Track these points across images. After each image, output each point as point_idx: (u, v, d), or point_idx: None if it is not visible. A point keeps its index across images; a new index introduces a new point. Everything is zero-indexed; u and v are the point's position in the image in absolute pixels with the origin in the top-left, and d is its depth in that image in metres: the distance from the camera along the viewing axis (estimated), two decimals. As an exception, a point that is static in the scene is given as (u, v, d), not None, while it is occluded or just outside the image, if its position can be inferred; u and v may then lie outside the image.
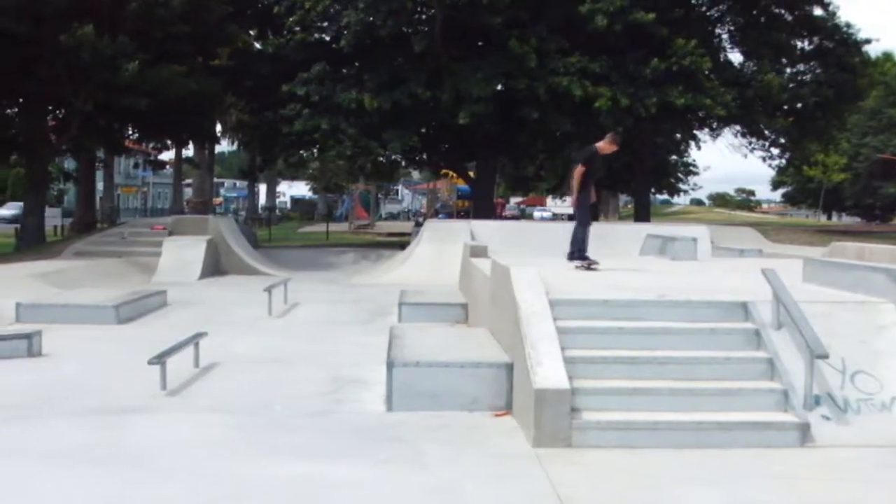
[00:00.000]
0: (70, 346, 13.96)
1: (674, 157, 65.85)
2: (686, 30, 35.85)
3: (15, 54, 28.62)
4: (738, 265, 17.62)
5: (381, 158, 44.54)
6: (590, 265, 14.82)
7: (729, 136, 46.81)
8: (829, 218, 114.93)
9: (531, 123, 35.97)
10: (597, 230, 30.51)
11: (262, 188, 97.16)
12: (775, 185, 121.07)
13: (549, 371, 8.91)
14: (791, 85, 41.14)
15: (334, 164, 69.86)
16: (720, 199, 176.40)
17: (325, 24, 37.82)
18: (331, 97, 34.50)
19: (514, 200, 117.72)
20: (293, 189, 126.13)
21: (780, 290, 9.94)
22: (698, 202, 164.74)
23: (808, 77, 43.24)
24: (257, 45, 41.11)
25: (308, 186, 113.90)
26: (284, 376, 11.99)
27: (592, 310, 10.40)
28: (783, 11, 41.84)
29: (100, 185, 59.33)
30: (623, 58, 34.86)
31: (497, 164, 50.12)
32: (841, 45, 41.82)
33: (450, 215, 61.17)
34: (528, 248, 22.86)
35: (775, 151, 48.78)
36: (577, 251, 15.38)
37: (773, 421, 8.93)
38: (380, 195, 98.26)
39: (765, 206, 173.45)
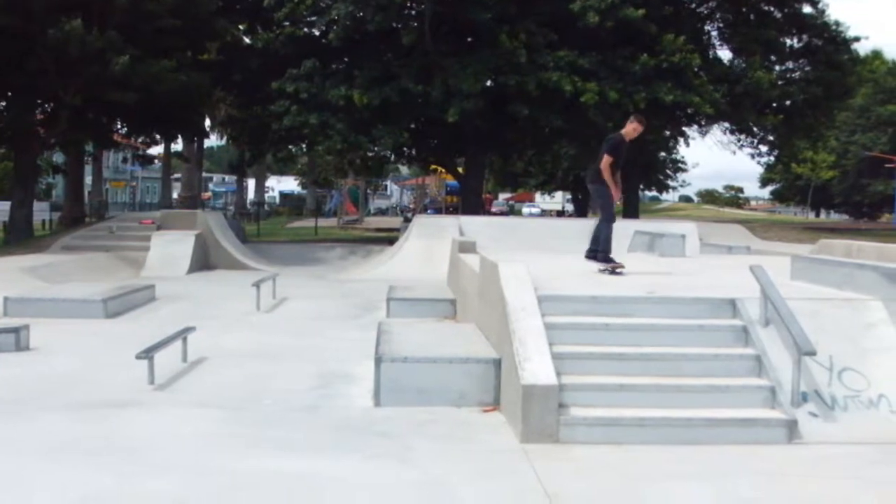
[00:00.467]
0: (58, 341, 13.93)
1: (662, 153, 65.96)
2: (675, 27, 35.88)
3: (4, 48, 28.56)
4: (726, 262, 17.67)
5: (371, 153, 44.51)
6: (615, 269, 13.43)
7: (717, 132, 46.92)
8: (818, 215, 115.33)
9: (520, 120, 35.97)
10: (586, 227, 30.65)
11: (251, 183, 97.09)
12: (764, 182, 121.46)
13: (536, 367, 8.92)
14: (780, 82, 41.19)
15: (323, 159, 69.91)
16: (709, 196, 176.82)
17: (314, 18, 37.78)
18: (320, 93, 34.46)
19: (502, 196, 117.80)
20: (282, 184, 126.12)
21: (768, 286, 9.96)
22: (687, 199, 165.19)
23: (797, 74, 43.34)
24: (246, 40, 41.03)
25: (297, 181, 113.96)
26: (272, 371, 11.98)
27: (580, 306, 10.41)
28: (772, 9, 41.91)
29: (88, 180, 59.23)
30: (612, 54, 34.88)
31: (486, 160, 50.11)
32: (830, 43, 41.92)
33: (438, 211, 61.23)
34: (516, 244, 22.87)
35: (764, 148, 48.90)
36: (603, 252, 13.86)
37: (760, 417, 8.94)
38: (369, 190, 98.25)
39: (753, 203, 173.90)
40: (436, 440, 8.69)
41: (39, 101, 34.17)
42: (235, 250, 29.60)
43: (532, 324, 9.68)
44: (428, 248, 26.05)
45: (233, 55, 38.41)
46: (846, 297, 10.63)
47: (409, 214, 54.52)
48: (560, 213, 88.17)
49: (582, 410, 8.89)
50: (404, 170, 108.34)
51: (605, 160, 13.46)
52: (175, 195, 76.19)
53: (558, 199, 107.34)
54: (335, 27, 34.99)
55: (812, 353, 9.02)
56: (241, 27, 41.38)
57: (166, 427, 9.02)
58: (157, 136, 44.68)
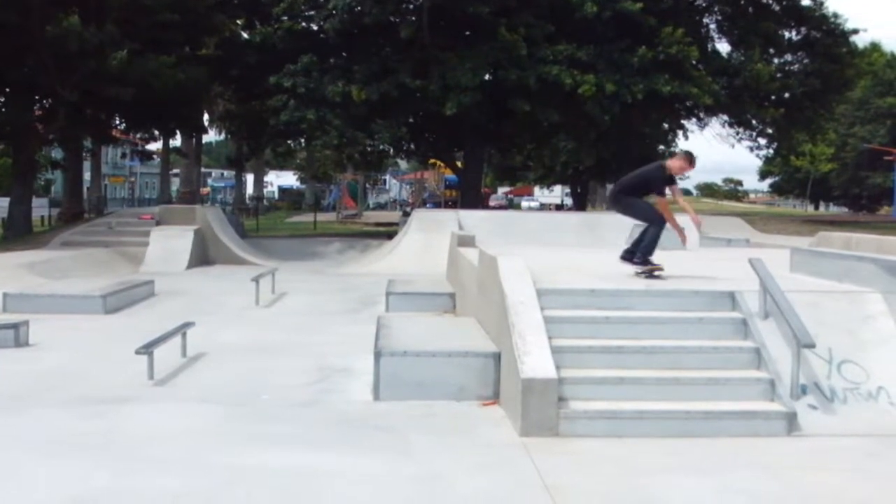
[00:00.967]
0: (57, 336, 13.94)
1: (661, 146, 65.87)
2: (674, 19, 35.84)
3: (2, 44, 28.53)
4: (725, 255, 17.68)
5: (369, 148, 44.47)
6: (653, 271, 12.18)
7: (716, 125, 46.86)
8: (817, 208, 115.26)
9: (519, 114, 35.94)
10: (585, 220, 30.70)
11: (250, 178, 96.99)
12: (763, 175, 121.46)
13: (536, 360, 8.92)
14: (779, 75, 41.16)
15: (322, 153, 69.86)
16: (708, 189, 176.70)
17: (313, 13, 37.75)
18: (318, 88, 34.43)
19: (501, 190, 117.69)
20: (281, 179, 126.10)
21: (767, 279, 9.96)
22: (686, 192, 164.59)
23: (795, 67, 43.30)
24: (245, 35, 40.98)
25: (296, 176, 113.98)
26: (272, 366, 11.98)
27: (580, 299, 10.41)
28: (771, 1, 41.89)
29: (87, 175, 59.15)
30: (610, 46, 34.85)
31: (484, 154, 50.08)
32: (828, 36, 41.89)
33: (437, 205, 61.18)
34: (515, 238, 22.91)
35: (763, 141, 48.83)
36: (643, 254, 12.44)
37: (759, 410, 8.95)
38: (367, 185, 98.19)
39: (752, 195, 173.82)
40: (435, 434, 8.69)
41: (37, 98, 34.15)
42: (234, 245, 29.61)
43: (531, 317, 9.68)
44: (427, 242, 26.05)
45: (231, 50, 38.36)
46: (845, 289, 10.64)
47: (409, 209, 54.42)
48: (559, 207, 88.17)
49: (582, 404, 8.89)
50: (403, 164, 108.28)
51: (662, 202, 12.47)
52: (174, 190, 76.21)
53: (557, 193, 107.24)
54: (332, 19, 34.95)
55: (811, 346, 9.02)
56: (238, 22, 41.33)
57: (165, 422, 9.02)
58: (156, 132, 44.68)
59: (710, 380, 9.25)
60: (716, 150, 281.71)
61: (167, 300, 18.87)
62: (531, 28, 34.27)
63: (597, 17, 33.73)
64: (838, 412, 9.03)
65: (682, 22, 36.34)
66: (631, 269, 12.23)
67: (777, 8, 42.06)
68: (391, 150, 49.81)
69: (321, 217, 60.10)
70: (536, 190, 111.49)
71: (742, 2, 41.58)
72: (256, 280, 18.58)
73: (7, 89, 33.33)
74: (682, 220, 12.97)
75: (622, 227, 25.04)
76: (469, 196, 42.22)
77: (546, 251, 15.99)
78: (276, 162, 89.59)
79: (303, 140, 43.88)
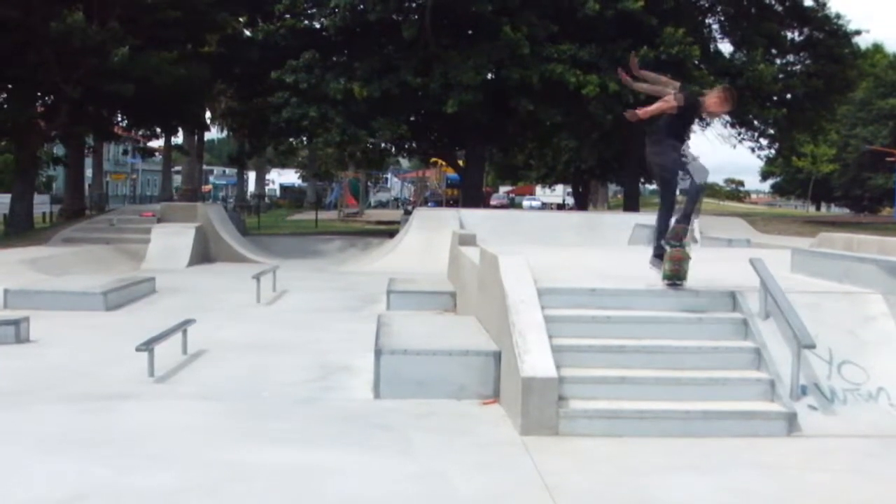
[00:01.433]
0: (58, 333, 13.94)
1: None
2: (676, 19, 35.85)
3: (4, 40, 28.55)
4: (726, 255, 17.66)
5: (370, 146, 44.49)
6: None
7: (718, 126, 46.87)
8: (818, 209, 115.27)
9: (521, 113, 35.96)
10: (586, 219, 30.70)
11: (252, 175, 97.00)
12: (764, 175, 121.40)
13: (536, 359, 8.92)
14: (781, 75, 41.16)
15: (324, 151, 69.84)
16: (709, 190, 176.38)
17: (314, 10, 37.77)
18: (319, 85, 34.44)
19: (503, 189, 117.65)
20: (282, 177, 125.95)
21: (767, 279, 9.95)
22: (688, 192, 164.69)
23: (798, 68, 43.32)
24: (247, 32, 41.00)
25: (297, 174, 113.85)
26: (272, 363, 11.98)
27: (580, 298, 10.39)
28: (773, 2, 41.90)
29: (89, 172, 59.15)
30: (612, 46, 34.85)
31: (486, 153, 50.08)
32: (831, 36, 41.92)
33: (439, 203, 61.17)
34: (516, 237, 22.93)
35: (764, 142, 48.82)
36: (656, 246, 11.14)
37: (759, 410, 8.94)
38: (369, 183, 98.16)
39: (754, 196, 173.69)
40: (435, 432, 8.70)
41: (40, 94, 34.18)
42: (236, 243, 29.64)
43: (532, 316, 9.67)
44: (428, 240, 26.06)
45: (233, 47, 38.37)
46: (846, 290, 10.63)
47: (410, 207, 54.42)
48: (560, 207, 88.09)
49: (582, 403, 8.89)
50: (405, 163, 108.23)
51: (668, 101, 10.79)
52: (175, 188, 76.21)
53: (559, 193, 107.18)
54: (334, 17, 34.97)
55: (812, 346, 9.01)
56: (241, 19, 41.36)
57: (166, 419, 9.02)
58: (158, 129, 44.68)
59: (710, 380, 9.24)
60: (717, 150, 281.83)
61: (168, 297, 18.88)
62: (534, 27, 34.28)
63: (599, 16, 33.76)
64: (838, 413, 9.03)
65: (685, 22, 36.35)
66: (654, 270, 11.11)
67: (780, 8, 42.10)
68: (393, 149, 49.84)
69: (322, 215, 60.12)
70: (538, 189, 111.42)
71: (744, 2, 41.60)
72: (257, 277, 18.59)
73: (9, 85, 33.35)
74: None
75: (625, 227, 25.15)
76: (470, 195, 42.24)
77: (547, 250, 15.98)
78: (277, 160, 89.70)
79: (305, 138, 43.86)
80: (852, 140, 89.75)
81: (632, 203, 47.99)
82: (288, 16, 37.38)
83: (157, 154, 73.28)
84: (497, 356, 10.00)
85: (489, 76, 35.30)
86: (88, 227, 31.01)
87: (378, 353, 10.11)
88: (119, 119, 40.97)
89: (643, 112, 10.81)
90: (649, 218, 27.55)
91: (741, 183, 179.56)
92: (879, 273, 10.48)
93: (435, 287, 17.76)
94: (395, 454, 7.97)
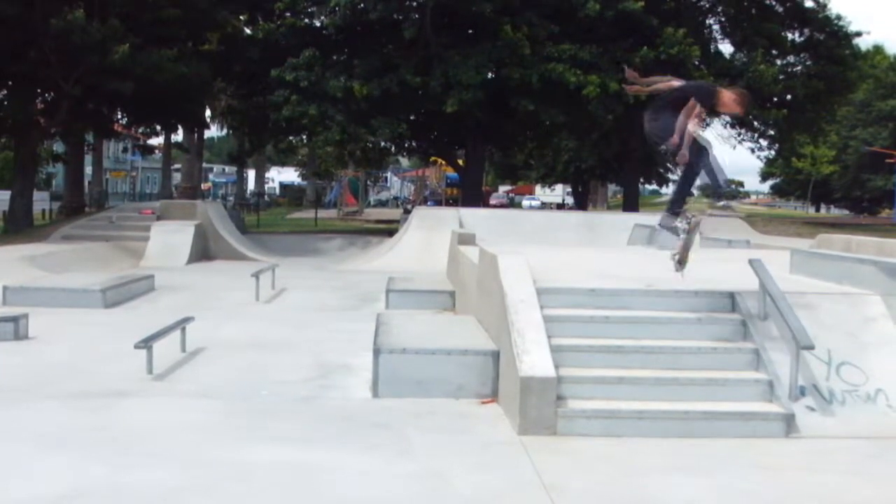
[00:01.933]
0: (56, 330, 13.94)
1: (663, 147, 65.88)
2: (676, 20, 35.87)
3: (5, 37, 28.53)
4: (725, 255, 17.67)
5: (370, 145, 44.51)
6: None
7: (718, 126, 46.89)
8: (818, 210, 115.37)
9: (521, 113, 35.97)
10: (585, 219, 30.69)
11: (251, 174, 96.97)
12: (764, 176, 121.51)
13: (535, 359, 8.92)
14: (781, 76, 41.17)
15: (324, 150, 69.77)
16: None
17: (314, 9, 37.77)
18: (319, 83, 34.44)
19: (502, 189, 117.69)
20: (282, 175, 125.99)
21: (767, 280, 9.95)
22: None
23: (798, 69, 43.34)
24: (247, 31, 40.99)
25: (297, 172, 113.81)
26: (271, 362, 11.98)
27: (579, 298, 10.40)
28: (774, 3, 41.91)
29: (88, 169, 59.10)
30: (612, 46, 34.87)
31: (486, 153, 50.10)
32: (831, 38, 41.95)
33: (438, 203, 61.19)
34: (516, 237, 22.91)
35: (764, 143, 48.84)
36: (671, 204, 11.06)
37: (758, 411, 8.94)
38: (369, 182, 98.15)
39: (753, 197, 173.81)
40: (434, 432, 8.70)
41: (40, 91, 34.18)
42: (235, 241, 29.63)
43: (531, 316, 9.67)
44: (427, 239, 26.06)
45: (233, 46, 38.36)
46: (845, 291, 10.63)
47: (410, 206, 54.43)
48: (560, 206, 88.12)
49: (580, 403, 8.89)
50: (404, 162, 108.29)
51: (689, 103, 10.35)
52: (174, 185, 76.16)
53: (558, 192, 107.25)
54: (334, 16, 35.00)
55: (810, 348, 9.01)
56: (241, 18, 41.35)
57: (164, 417, 9.02)
58: (158, 127, 44.66)
59: (708, 380, 9.24)
60: (717, 150, 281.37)
61: (167, 295, 18.87)
62: (534, 27, 34.29)
63: (599, 16, 33.77)
64: (837, 414, 9.03)
65: (685, 22, 36.38)
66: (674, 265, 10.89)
67: (780, 9, 42.10)
68: (392, 148, 49.85)
69: (322, 213, 60.11)
70: (538, 189, 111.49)
71: (745, 3, 41.60)
72: (256, 276, 18.59)
73: (9, 82, 33.33)
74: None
75: (624, 227, 25.14)
76: (470, 194, 42.25)
77: (546, 250, 15.98)
78: (277, 158, 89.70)
79: (304, 136, 43.85)
80: (852, 141, 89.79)
81: (631, 203, 48.03)
82: (288, 14, 37.39)
83: (156, 152, 73.18)
84: (496, 356, 10.00)
85: (489, 76, 35.31)
86: (88, 224, 31.00)
87: (377, 352, 10.11)
88: (119, 116, 40.95)
89: (642, 80, 10.69)
90: (649, 218, 27.60)
91: (741, 183, 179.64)
92: (878, 274, 10.49)
93: (434, 286, 17.76)
94: (394, 453, 7.97)
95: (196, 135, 58.88)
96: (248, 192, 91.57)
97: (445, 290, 17.34)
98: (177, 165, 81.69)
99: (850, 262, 11.34)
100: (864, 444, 8.53)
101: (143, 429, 8.56)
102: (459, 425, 8.95)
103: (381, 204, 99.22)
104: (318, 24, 38.49)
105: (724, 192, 10.35)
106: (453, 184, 66.85)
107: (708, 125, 43.65)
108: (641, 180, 66.28)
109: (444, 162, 57.94)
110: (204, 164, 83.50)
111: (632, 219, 27.40)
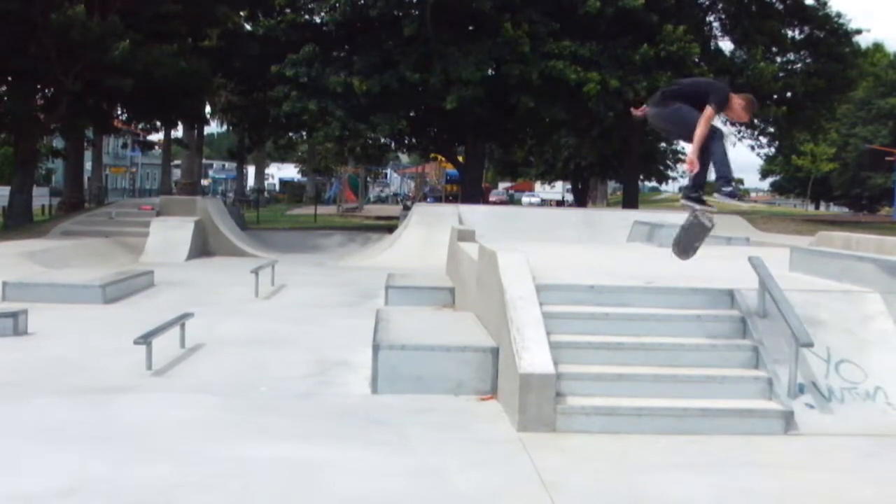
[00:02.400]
0: (56, 326, 13.94)
1: (662, 144, 65.90)
2: (676, 17, 35.88)
3: (5, 33, 28.53)
4: (725, 253, 17.65)
5: (370, 141, 44.52)
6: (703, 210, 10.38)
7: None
8: (817, 207, 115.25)
9: (521, 110, 35.98)
10: (585, 216, 30.68)
11: (251, 170, 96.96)
12: (764, 174, 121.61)
13: (534, 356, 8.91)
14: (781, 74, 41.18)
15: (323, 146, 69.81)
16: (708, 188, 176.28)
17: (314, 4, 37.78)
18: (319, 79, 34.45)
19: (502, 185, 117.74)
20: (282, 171, 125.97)
21: (766, 278, 9.95)
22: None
23: (798, 66, 43.35)
24: (247, 27, 41.01)
25: (297, 169, 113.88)
26: (270, 358, 11.98)
27: (579, 295, 10.39)
28: (774, 0, 41.89)
29: (88, 165, 59.13)
30: (612, 43, 34.88)
31: (486, 149, 50.09)
32: (832, 35, 41.95)
33: (438, 199, 61.22)
34: (516, 233, 22.86)
35: (764, 140, 48.85)
36: (724, 177, 10.47)
37: (757, 408, 8.94)
38: (368, 178, 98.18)
39: (753, 194, 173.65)
40: (433, 428, 8.70)
41: (40, 87, 34.17)
42: (235, 237, 29.62)
43: (530, 313, 9.67)
44: (427, 236, 26.05)
45: (233, 42, 38.40)
46: (844, 289, 10.63)
47: (409, 203, 54.46)
48: (560, 203, 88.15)
49: (579, 400, 8.89)
50: (404, 158, 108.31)
51: (709, 112, 10.17)
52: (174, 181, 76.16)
53: (558, 189, 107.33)
54: (335, 12, 35.01)
55: (809, 345, 9.01)
56: (241, 14, 41.37)
57: (163, 413, 9.02)
58: (158, 123, 44.69)
59: (707, 377, 9.24)
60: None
61: (166, 291, 18.88)
62: (535, 24, 34.30)
63: (600, 13, 33.78)
64: (836, 412, 9.03)
65: (686, 20, 36.39)
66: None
67: (780, 7, 42.09)
68: (392, 144, 49.87)
69: (322, 210, 60.07)
70: (537, 186, 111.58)
71: (745, 0, 41.59)
72: (256, 272, 18.58)
73: (9, 78, 33.35)
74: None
75: (624, 224, 25.13)
76: (470, 191, 42.25)
77: (546, 247, 15.98)
78: (277, 154, 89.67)
79: (304, 132, 43.84)
80: (852, 139, 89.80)
81: (631, 200, 47.99)
82: (288, 10, 37.41)
83: (156, 148, 73.28)
84: (495, 352, 10.00)
85: (489, 72, 35.32)
86: (87, 220, 31.00)
87: (376, 348, 10.11)
88: (119, 112, 40.99)
89: (695, 155, 10.46)
90: (649, 215, 27.64)
91: (740, 181, 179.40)
92: (878, 272, 10.48)
93: (434, 283, 17.74)
94: (393, 450, 7.97)
95: (196, 131, 58.87)
96: (248, 188, 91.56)
97: (445, 286, 17.31)
98: (176, 162, 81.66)
99: (850, 260, 11.34)
100: (862, 442, 8.53)
101: (142, 424, 8.56)
102: (458, 422, 8.95)
103: (381, 200, 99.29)
104: (318, 20, 38.50)
105: (725, 190, 10.14)
106: (453, 180, 66.96)
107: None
108: (641, 177, 66.29)
109: (443, 158, 57.96)
110: (204, 161, 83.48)
111: (631, 216, 27.42)
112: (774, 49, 42.65)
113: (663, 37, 34.57)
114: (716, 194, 10.33)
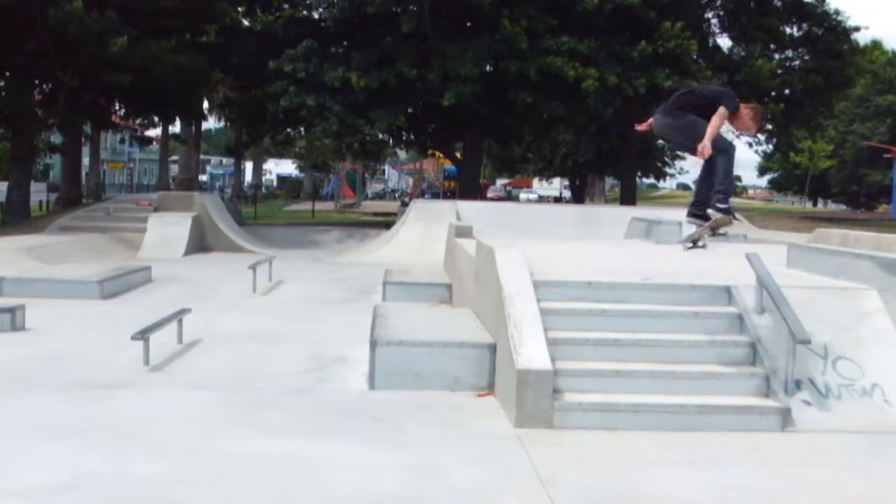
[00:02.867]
0: (53, 321, 13.93)
1: (660, 140, 65.93)
2: (675, 13, 35.88)
3: (3, 28, 28.51)
4: (722, 250, 17.65)
5: (368, 137, 44.50)
6: (720, 226, 10.45)
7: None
8: (815, 205, 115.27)
9: (519, 106, 35.99)
10: (582, 213, 30.67)
11: (249, 166, 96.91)
12: (761, 171, 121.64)
13: (531, 352, 8.91)
14: (779, 71, 41.20)
15: (321, 142, 69.77)
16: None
17: (311, 1, 37.78)
18: (318, 75, 34.44)
19: (500, 182, 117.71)
20: (280, 167, 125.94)
21: (763, 274, 9.95)
22: (685, 187, 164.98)
23: (796, 63, 43.36)
24: (245, 23, 40.99)
25: (295, 165, 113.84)
26: (268, 354, 11.98)
27: (576, 291, 10.38)
28: (773, -4, 41.97)
29: (86, 161, 59.11)
30: (610, 39, 34.89)
31: (484, 146, 50.06)
32: (830, 32, 41.96)
33: (436, 195, 61.21)
34: (513, 230, 22.86)
35: (762, 137, 48.84)
36: (724, 193, 10.81)
37: (754, 405, 8.95)
38: (366, 174, 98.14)
39: (751, 191, 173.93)
40: (430, 424, 8.70)
41: (38, 82, 34.16)
42: (232, 233, 29.64)
43: (528, 309, 9.67)
44: (425, 232, 26.05)
45: (231, 38, 38.39)
46: (842, 286, 10.62)
47: (407, 199, 54.45)
48: (557, 200, 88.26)
49: (577, 396, 8.88)
50: (402, 154, 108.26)
51: (722, 113, 10.44)
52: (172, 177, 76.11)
53: (556, 186, 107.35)
54: (333, 9, 35.01)
55: (807, 342, 9.01)
56: (239, 9, 41.35)
57: (160, 408, 9.02)
58: (155, 119, 44.67)
59: (705, 374, 9.24)
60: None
61: (164, 286, 18.87)
62: (533, 20, 34.30)
63: (598, 9, 33.77)
64: (833, 408, 9.03)
65: (684, 16, 36.39)
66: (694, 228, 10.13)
67: (779, 4, 42.10)
68: (390, 140, 49.86)
69: (319, 206, 60.06)
70: (535, 182, 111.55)
71: (744, -4, 41.67)
72: (253, 268, 18.56)
73: (7, 73, 33.33)
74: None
75: (621, 221, 25.08)
76: (467, 187, 42.25)
77: (543, 243, 15.96)
78: (275, 150, 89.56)
79: (302, 128, 43.80)
80: (850, 136, 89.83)
81: (629, 197, 48.03)
82: (286, 6, 37.39)
83: (154, 143, 73.20)
84: (492, 348, 10.00)
85: (487, 69, 35.32)
86: (85, 215, 31.00)
87: (373, 344, 10.11)
88: (117, 108, 40.99)
89: (709, 141, 10.49)
90: (646, 212, 27.63)
91: (738, 178, 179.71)
92: (875, 269, 10.48)
93: (431, 279, 17.73)
94: (390, 446, 7.97)
95: (194, 126, 58.86)
96: (246, 184, 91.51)
97: (442, 282, 17.31)
98: (174, 157, 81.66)
99: (847, 257, 11.33)
100: (859, 439, 8.54)
101: (139, 420, 8.56)
102: (455, 418, 8.95)
103: (379, 196, 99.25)
104: (316, 16, 38.48)
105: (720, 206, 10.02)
106: (451, 177, 66.92)
107: None
108: (639, 174, 66.29)
109: (441, 155, 57.95)
110: (202, 156, 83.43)
111: (629, 212, 27.34)
112: (773, 46, 42.66)
113: (661, 33, 34.57)
114: (709, 210, 10.23)
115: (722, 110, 9.97)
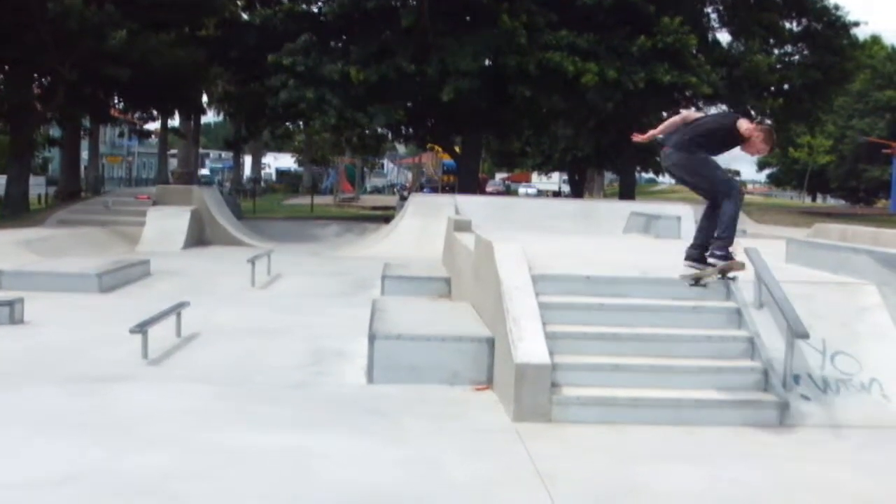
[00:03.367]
0: (52, 314, 13.94)
1: (660, 136, 65.89)
2: (675, 8, 35.84)
3: (2, 21, 28.48)
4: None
5: (367, 131, 44.47)
6: (729, 269, 9.49)
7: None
8: (814, 200, 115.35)
9: (518, 100, 35.96)
10: (581, 207, 30.69)
11: (248, 160, 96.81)
12: (760, 165, 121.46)
13: (530, 346, 8.92)
14: (778, 66, 41.17)
15: (320, 136, 69.74)
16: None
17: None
18: (317, 68, 34.39)
19: (499, 176, 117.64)
20: (278, 161, 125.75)
21: (762, 269, 9.96)
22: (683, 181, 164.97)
23: (795, 58, 43.33)
24: (245, 16, 40.93)
25: (293, 159, 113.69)
26: (266, 347, 11.98)
27: (575, 286, 10.39)
28: (772, -9, 41.91)
29: (85, 154, 59.00)
30: (610, 34, 34.86)
31: (483, 140, 50.02)
32: (829, 27, 41.90)
33: (435, 190, 61.17)
34: (512, 224, 22.89)
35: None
36: (725, 240, 9.60)
37: (752, 400, 8.96)
38: (365, 169, 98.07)
39: (750, 186, 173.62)
40: (428, 418, 8.70)
41: (37, 76, 34.12)
42: (231, 226, 29.63)
43: (526, 303, 9.67)
44: (424, 226, 26.04)
45: (231, 31, 38.32)
46: (840, 281, 10.64)
47: (406, 193, 54.40)
48: (556, 194, 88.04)
49: (575, 390, 8.89)
50: (401, 148, 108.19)
51: (744, 124, 9.47)
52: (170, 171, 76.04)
53: (555, 180, 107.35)
54: (332, 4, 34.99)
55: (805, 337, 9.01)
56: (239, 3, 41.29)
57: (158, 401, 9.03)
58: (154, 112, 44.61)
59: (703, 368, 9.25)
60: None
61: (163, 280, 18.87)
62: (532, 15, 34.26)
63: (597, 4, 33.75)
64: (831, 403, 9.04)
65: (684, 11, 36.35)
66: (692, 271, 9.92)
67: (778, -1, 42.09)
68: (389, 134, 49.83)
69: (318, 200, 59.98)
70: (534, 176, 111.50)
71: (743, -9, 41.62)
72: (252, 261, 18.58)
73: (6, 67, 33.30)
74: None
75: (620, 215, 25.12)
76: (467, 181, 42.22)
77: (542, 238, 15.97)
78: (274, 144, 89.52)
79: (301, 122, 43.76)
80: (849, 131, 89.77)
81: (628, 191, 48.07)
82: (286, 0, 37.34)
83: (153, 137, 73.07)
84: (491, 342, 10.01)
85: (487, 63, 35.28)
86: (84, 209, 31.03)
87: (372, 338, 10.12)
88: (116, 101, 40.94)
89: (650, 134, 10.48)
90: (645, 207, 27.65)
91: (737, 173, 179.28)
92: (874, 264, 10.49)
93: (430, 273, 17.73)
94: (388, 439, 7.98)
95: (192, 120, 58.77)
96: (245, 178, 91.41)
97: (441, 276, 17.31)
98: (173, 151, 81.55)
99: (846, 252, 11.35)
100: (857, 434, 8.55)
101: (138, 413, 8.57)
102: (454, 412, 8.96)
103: (378, 191, 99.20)
104: (315, 10, 38.44)
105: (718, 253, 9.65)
106: (450, 171, 66.82)
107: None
108: (638, 169, 66.23)
109: (440, 149, 57.88)
110: (200, 150, 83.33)
111: (628, 207, 27.41)
112: (772, 41, 42.63)
113: (660, 28, 34.54)
114: (709, 257, 9.92)
115: (745, 124, 9.43)
